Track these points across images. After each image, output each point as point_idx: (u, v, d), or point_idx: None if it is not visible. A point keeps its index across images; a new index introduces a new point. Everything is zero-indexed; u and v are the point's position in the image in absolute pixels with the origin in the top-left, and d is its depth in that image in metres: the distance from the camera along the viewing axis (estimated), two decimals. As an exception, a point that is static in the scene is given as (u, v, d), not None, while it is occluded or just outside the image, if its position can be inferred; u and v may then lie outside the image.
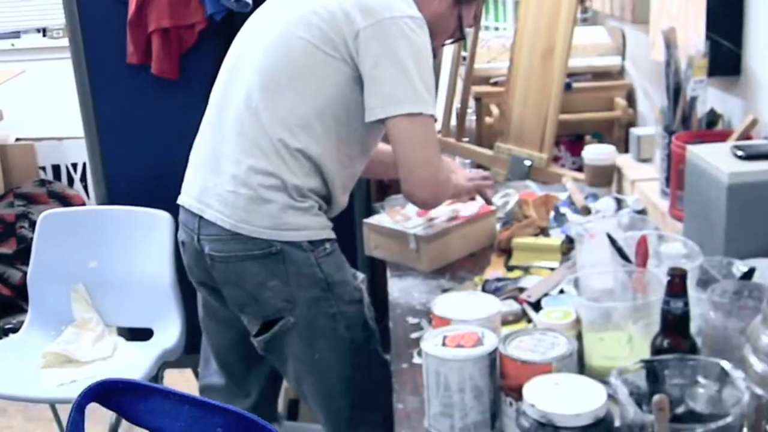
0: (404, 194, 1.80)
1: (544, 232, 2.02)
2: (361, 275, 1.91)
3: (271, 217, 1.72)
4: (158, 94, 2.63)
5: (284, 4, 1.83)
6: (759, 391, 1.07)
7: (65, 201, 4.02)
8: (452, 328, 1.34)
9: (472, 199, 2.07)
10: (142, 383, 0.71)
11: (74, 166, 4.25)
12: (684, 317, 1.21)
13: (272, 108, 1.73)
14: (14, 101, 4.06)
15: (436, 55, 1.99)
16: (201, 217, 1.78)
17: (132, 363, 2.44)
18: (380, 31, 1.68)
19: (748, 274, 1.37)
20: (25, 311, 3.55)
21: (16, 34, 4.28)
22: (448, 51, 3.13)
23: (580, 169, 2.48)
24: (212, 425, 0.69)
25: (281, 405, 2.26)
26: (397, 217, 2.05)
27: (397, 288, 1.87)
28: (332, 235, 1.83)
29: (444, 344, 1.29)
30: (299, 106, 1.72)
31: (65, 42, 3.06)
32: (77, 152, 4.10)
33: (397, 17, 1.69)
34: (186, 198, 1.85)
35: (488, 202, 2.08)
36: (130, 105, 2.65)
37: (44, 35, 4.22)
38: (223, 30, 2.44)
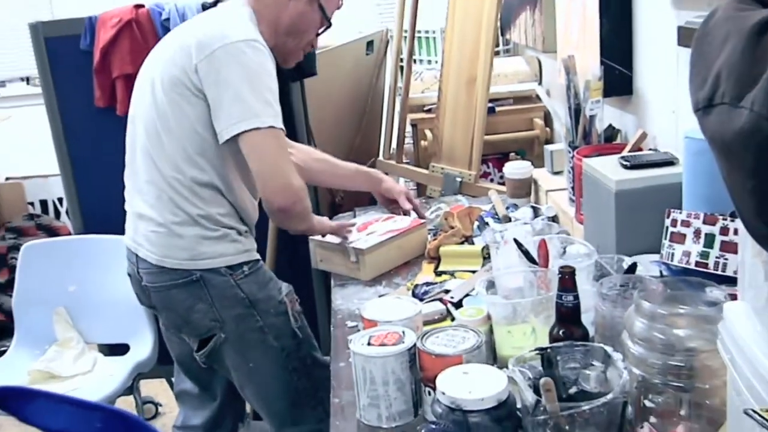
0: (265, 207, 1.73)
1: (468, 240, 2.03)
2: (286, 288, 1.88)
3: (187, 249, 1.73)
4: (124, 133, 2.60)
5: (153, 55, 1.83)
6: (636, 370, 1.10)
7: (53, 232, 3.97)
8: (378, 329, 1.36)
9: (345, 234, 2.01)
10: (27, 388, 0.73)
11: (60, 200, 4.21)
12: (575, 309, 1.23)
13: (160, 153, 1.73)
14: (2, 144, 4.02)
15: (314, 45, 1.94)
16: (137, 255, 1.80)
17: (110, 375, 2.42)
18: (212, 62, 1.65)
19: (632, 268, 1.41)
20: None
21: (2, 83, 4.23)
22: (387, 83, 3.16)
23: (503, 182, 2.49)
24: (91, 421, 0.71)
25: (249, 407, 2.25)
26: (340, 233, 2.06)
27: (340, 296, 1.87)
28: (251, 257, 1.82)
29: (369, 343, 1.30)
30: (178, 145, 1.71)
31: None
32: (61, 188, 4.07)
33: (227, 44, 1.65)
34: (126, 239, 1.87)
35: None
36: (100, 143, 2.61)
37: (27, 83, 4.18)
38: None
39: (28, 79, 4.18)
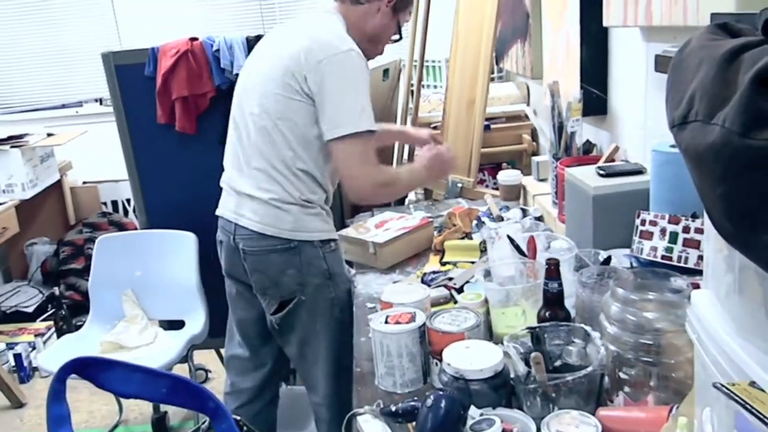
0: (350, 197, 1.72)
1: (468, 236, 2.00)
2: (352, 270, 1.89)
3: (290, 221, 1.71)
4: (181, 146, 2.59)
5: (258, 65, 1.77)
6: (612, 347, 1.08)
7: (122, 227, 3.97)
8: (393, 310, 1.34)
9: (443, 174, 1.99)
10: (105, 358, 0.72)
11: (128, 200, 4.21)
12: (559, 294, 1.22)
13: (270, 146, 1.70)
14: (80, 154, 4.01)
15: (382, 53, 1.89)
16: (236, 224, 1.76)
17: (168, 346, 2.41)
18: (319, 72, 1.62)
19: (607, 261, 1.38)
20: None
21: (79, 104, 4.23)
22: (399, 104, 3.14)
23: (497, 188, 2.48)
24: (158, 386, 0.70)
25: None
26: (361, 229, 2.04)
27: (361, 282, 1.85)
28: (335, 236, 1.81)
29: (386, 322, 1.29)
30: (286, 140, 1.68)
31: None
32: (129, 190, 4.06)
33: (330, 56, 1.62)
34: (224, 210, 1.82)
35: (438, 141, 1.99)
36: (161, 154, 2.60)
37: (101, 104, 4.17)
38: (228, 96, 2.41)
39: (101, 100, 4.17)
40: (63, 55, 4.13)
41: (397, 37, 1.85)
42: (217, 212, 1.86)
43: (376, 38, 1.79)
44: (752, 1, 1.07)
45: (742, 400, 0.49)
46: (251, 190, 1.74)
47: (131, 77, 2.53)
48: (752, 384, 0.51)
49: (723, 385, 0.51)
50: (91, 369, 0.67)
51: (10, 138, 3.43)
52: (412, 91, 2.88)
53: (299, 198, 1.71)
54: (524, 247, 1.50)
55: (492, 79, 2.90)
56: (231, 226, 1.78)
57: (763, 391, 0.50)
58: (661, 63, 1.25)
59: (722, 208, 0.47)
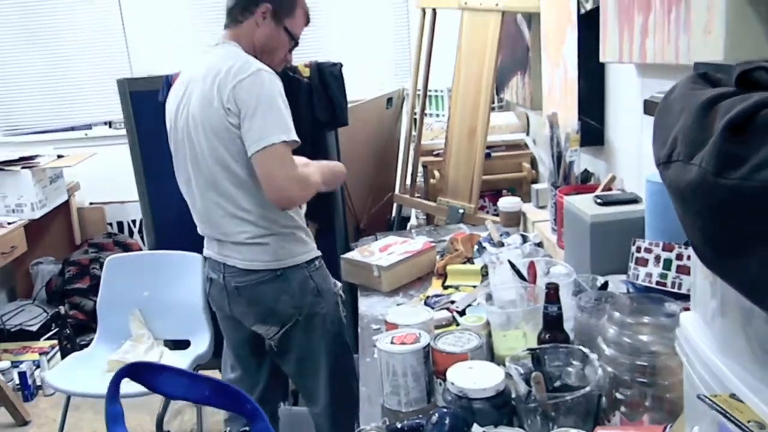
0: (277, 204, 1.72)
1: (469, 260, 2.05)
2: (339, 283, 1.96)
3: (271, 252, 1.78)
4: (192, 169, 2.64)
5: (178, 120, 1.85)
6: (609, 368, 1.12)
7: (127, 248, 4.01)
8: (399, 331, 1.38)
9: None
10: (157, 364, 0.77)
11: (134, 222, 4.26)
12: (558, 318, 1.26)
13: (224, 193, 1.74)
14: (88, 176, 4.07)
15: (289, 60, 1.90)
16: (225, 264, 1.84)
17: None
18: (234, 98, 1.64)
19: (604, 286, 1.43)
20: (94, 331, 3.55)
21: (88, 126, 4.29)
22: (402, 132, 3.21)
23: (497, 214, 2.53)
24: (202, 390, 0.75)
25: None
26: (365, 253, 2.09)
27: (365, 304, 1.89)
28: (318, 253, 1.87)
29: (392, 342, 1.33)
30: (235, 179, 1.73)
31: (125, 132, 3.10)
32: (135, 211, 4.12)
33: (239, 80, 1.64)
34: (210, 252, 1.91)
35: None
36: (171, 178, 2.63)
37: (110, 127, 4.24)
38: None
39: (110, 123, 4.24)
40: (73, 79, 4.21)
41: (292, 44, 1.87)
42: (204, 254, 1.94)
43: (268, 49, 1.81)
44: (738, 50, 1.15)
45: (723, 410, 0.54)
46: (226, 237, 1.81)
47: (145, 102, 2.60)
48: (732, 396, 0.56)
49: (706, 397, 0.57)
50: (143, 373, 0.72)
51: (22, 159, 3.50)
52: (415, 120, 2.96)
53: (271, 227, 1.78)
54: (525, 272, 1.55)
55: (493, 109, 2.98)
56: (220, 266, 1.86)
57: (742, 402, 0.55)
58: (648, 107, 1.32)
59: (702, 238, 0.53)
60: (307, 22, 1.90)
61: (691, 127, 0.54)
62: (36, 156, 3.59)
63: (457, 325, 1.62)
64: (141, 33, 4.11)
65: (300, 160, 1.76)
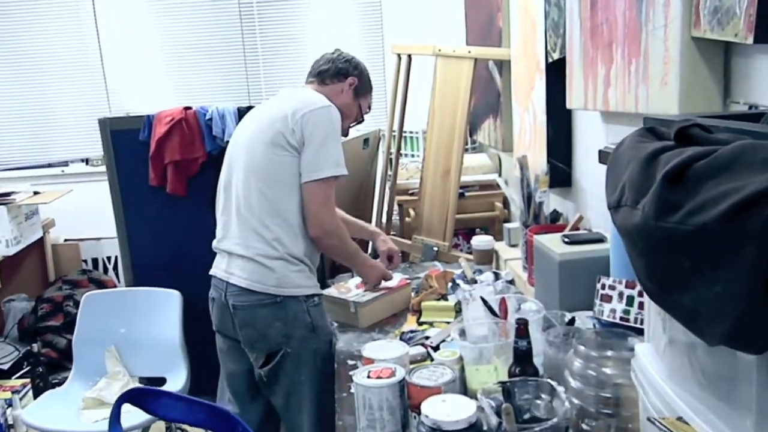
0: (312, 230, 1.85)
1: (444, 297, 2.09)
2: (335, 323, 2.00)
3: (276, 278, 1.83)
4: (171, 207, 2.68)
5: (246, 131, 1.93)
6: (575, 401, 1.17)
7: (102, 284, 3.96)
8: (375, 366, 1.41)
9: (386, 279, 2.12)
10: (156, 389, 0.81)
11: (108, 258, 4.24)
12: (527, 352, 1.31)
13: (255, 205, 1.83)
14: (64, 213, 4.05)
15: (347, 134, 2.11)
16: (228, 282, 1.87)
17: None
18: (303, 123, 1.81)
19: (572, 321, 1.49)
20: (68, 369, 3.48)
21: (65, 163, 4.29)
22: (379, 171, 3.27)
23: (471, 252, 2.59)
24: (198, 414, 0.79)
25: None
26: (342, 289, 2.13)
27: (342, 340, 1.92)
28: (319, 291, 1.92)
29: (369, 376, 1.36)
30: (273, 197, 1.82)
31: (102, 168, 3.11)
32: (111, 248, 4.10)
33: (313, 109, 1.82)
34: (216, 270, 1.94)
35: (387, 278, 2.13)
36: (151, 215, 2.69)
37: (87, 163, 4.24)
38: (217, 161, 2.51)
39: (87, 160, 4.25)
40: (51, 115, 4.22)
41: (359, 119, 2.11)
42: (211, 272, 1.97)
43: (343, 115, 1.97)
44: (692, 100, 1.24)
45: (670, 431, 0.59)
46: (238, 249, 1.86)
47: (125, 141, 2.65)
48: (679, 419, 0.62)
49: (655, 419, 0.62)
50: (143, 398, 0.76)
51: (-2, 195, 3.49)
52: (391, 160, 3.03)
53: (283, 252, 1.83)
54: (497, 309, 1.60)
55: (466, 150, 3.07)
56: (223, 284, 1.89)
57: (687, 424, 0.61)
58: (602, 157, 1.41)
59: (646, 275, 0.59)
60: (368, 109, 2.13)
61: (637, 177, 0.61)
62: (12, 192, 3.59)
63: (432, 359, 1.65)
64: (120, 71, 4.16)
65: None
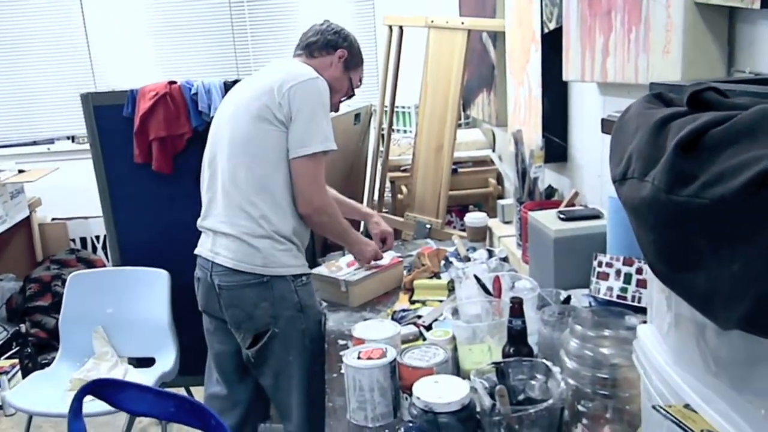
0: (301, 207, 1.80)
1: (436, 275, 2.06)
2: (324, 303, 1.96)
3: (262, 257, 1.78)
4: (157, 185, 2.62)
5: (231, 105, 1.88)
6: (571, 381, 1.14)
7: (90, 264, 3.93)
8: (366, 346, 1.39)
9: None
10: (119, 380, 0.76)
11: (97, 237, 4.19)
12: (522, 331, 1.27)
13: (241, 181, 1.78)
14: (50, 191, 4.00)
15: (337, 109, 2.05)
16: (213, 262, 1.82)
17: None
18: (289, 96, 1.75)
19: (567, 300, 1.46)
20: (56, 350, 3.45)
21: (51, 141, 4.22)
22: (370, 147, 3.22)
23: (464, 229, 2.55)
24: (167, 406, 0.74)
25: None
26: (333, 268, 2.09)
27: (332, 319, 1.89)
28: (307, 270, 1.87)
29: (359, 357, 1.33)
30: (259, 172, 1.77)
31: (88, 146, 3.05)
32: (99, 227, 4.05)
33: (300, 82, 1.77)
34: (201, 250, 1.89)
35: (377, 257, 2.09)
36: (137, 192, 2.63)
37: (73, 141, 4.17)
38: (203, 137, 2.46)
39: (73, 138, 4.18)
40: (36, 93, 4.14)
41: (350, 94, 2.04)
42: (196, 251, 1.92)
43: (332, 88, 1.90)
44: (695, 69, 1.19)
45: (677, 419, 0.55)
46: (224, 227, 1.81)
47: (109, 117, 2.58)
48: (686, 406, 0.58)
49: (661, 407, 0.58)
50: (106, 390, 0.71)
51: (-19, 174, 3.42)
52: (383, 136, 2.97)
53: (270, 230, 1.78)
54: (490, 287, 1.57)
55: (459, 126, 3.02)
56: (208, 263, 1.84)
57: (695, 412, 0.57)
58: (606, 126, 1.36)
59: (654, 252, 0.55)
60: (359, 82, 2.07)
61: (645, 146, 0.56)
62: (-4, 171, 3.52)
63: (424, 339, 1.62)
64: (105, 46, 4.07)
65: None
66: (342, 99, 2.03)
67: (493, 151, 3.07)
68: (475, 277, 1.59)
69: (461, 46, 2.60)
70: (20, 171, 3.64)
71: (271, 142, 1.76)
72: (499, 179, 2.92)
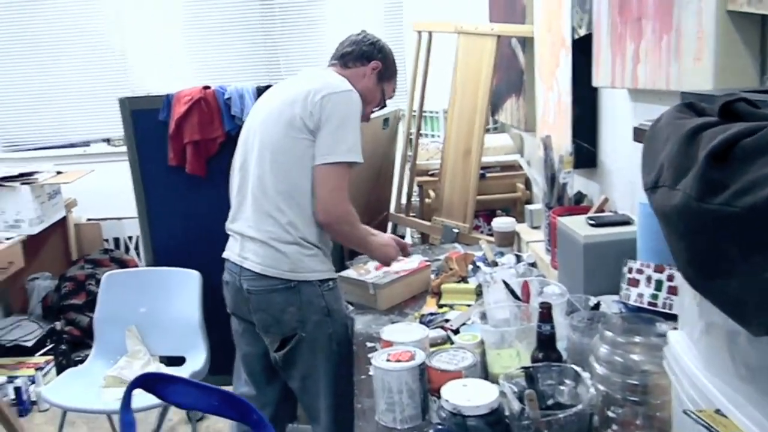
0: (320, 216, 1.79)
1: (464, 279, 2.07)
2: (351, 307, 1.97)
3: (289, 263, 1.80)
4: (190, 187, 2.67)
5: (262, 110, 1.90)
6: (601, 387, 1.14)
7: (123, 264, 4.00)
8: (394, 348, 1.40)
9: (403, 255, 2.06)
10: (168, 375, 0.79)
11: (130, 238, 4.26)
12: (551, 337, 1.28)
13: (269, 186, 1.80)
14: (86, 192, 4.08)
15: (368, 119, 2.04)
16: (241, 266, 1.85)
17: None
18: (321, 106, 1.76)
19: (597, 306, 1.45)
20: (89, 347, 3.52)
21: (86, 143, 4.30)
22: (398, 151, 3.24)
23: (491, 234, 2.54)
24: (212, 400, 0.77)
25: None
26: (361, 271, 2.11)
27: (361, 322, 1.91)
28: (334, 275, 1.89)
29: (388, 359, 1.34)
30: (287, 178, 1.79)
31: (123, 149, 3.11)
32: (132, 228, 4.13)
33: (332, 93, 1.78)
34: (230, 254, 1.92)
35: (405, 253, 2.08)
36: (171, 194, 2.68)
37: (108, 143, 4.25)
38: (236, 141, 2.49)
39: (108, 140, 4.26)
40: (73, 96, 4.23)
41: (382, 105, 2.05)
42: (224, 255, 1.95)
43: (365, 99, 1.92)
44: (727, 78, 1.18)
45: (709, 425, 0.56)
46: (252, 232, 1.83)
47: (145, 121, 2.64)
48: (717, 412, 0.59)
49: (692, 412, 0.59)
50: (156, 384, 0.74)
51: (21, 175, 3.51)
52: (411, 140, 2.99)
53: (297, 236, 1.80)
54: (519, 292, 1.57)
55: (487, 130, 3.02)
56: (237, 268, 1.87)
57: (726, 417, 0.57)
58: (638, 134, 1.36)
59: (686, 260, 0.55)
60: (392, 93, 2.08)
61: (677, 155, 0.57)
62: (35, 172, 3.61)
63: (452, 343, 1.63)
64: (139, 50, 4.15)
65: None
66: (374, 110, 2.05)
67: (522, 155, 3.06)
68: (504, 282, 1.59)
69: (491, 51, 2.61)
70: (58, 173, 3.72)
71: (300, 150, 1.78)
72: (527, 184, 2.91)
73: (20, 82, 4.19)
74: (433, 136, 3.50)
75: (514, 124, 3.02)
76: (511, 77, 2.98)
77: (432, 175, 2.96)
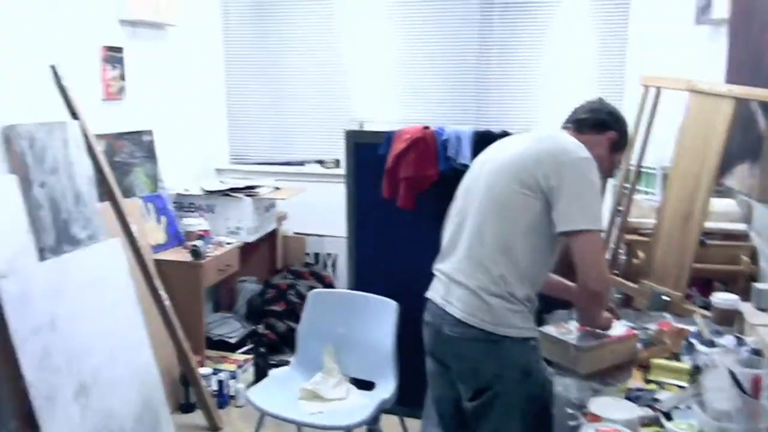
0: (582, 290, 1.79)
1: (676, 356, 1.95)
2: (549, 368, 1.93)
3: (493, 315, 1.80)
4: (399, 220, 2.80)
5: (494, 160, 1.92)
6: None
7: (320, 279, 4.26)
8: (602, 424, 1.37)
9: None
10: None
11: (328, 254, 4.54)
12: (790, 448, 1.18)
13: (487, 236, 1.83)
14: (296, 208, 4.44)
15: (604, 187, 2.03)
16: (444, 310, 1.89)
17: (361, 405, 2.55)
18: (560, 171, 1.76)
19: None
20: (283, 353, 3.80)
21: (301, 163, 4.66)
22: (606, 207, 3.13)
23: (705, 307, 2.37)
24: None
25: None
26: (562, 329, 2.07)
27: (560, 384, 1.86)
28: (536, 334, 1.88)
29: (597, 436, 1.33)
30: (507, 232, 1.80)
31: (334, 171, 3.33)
32: (332, 246, 4.42)
33: (573, 159, 1.78)
34: (434, 294, 1.97)
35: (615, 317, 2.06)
36: (380, 224, 2.84)
37: (321, 165, 4.58)
38: (447, 181, 2.59)
39: (321, 162, 4.59)
40: (295, 120, 4.63)
41: (609, 175, 2.04)
42: (427, 295, 2.00)
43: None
44: None
45: None
46: (461, 277, 1.87)
47: (365, 153, 2.83)
48: None
49: None
50: None
51: (247, 188, 3.93)
52: (624, 194, 2.88)
53: (504, 290, 1.80)
54: (744, 383, 1.45)
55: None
56: (440, 311, 1.91)
57: None
58: None
59: None
60: (620, 164, 2.09)
61: None
62: (257, 186, 4.02)
63: (661, 426, 1.55)
64: (358, 83, 4.45)
65: None
66: (600, 178, 2.00)
67: (748, 225, 2.81)
68: (730, 371, 1.48)
69: (726, 114, 2.44)
70: (276, 188, 4.11)
71: (526, 207, 1.79)
72: (754, 257, 2.67)
73: (253, 102, 4.69)
74: (645, 193, 3.33)
75: (744, 191, 2.79)
76: (746, 141, 2.76)
77: (642, 234, 2.82)
